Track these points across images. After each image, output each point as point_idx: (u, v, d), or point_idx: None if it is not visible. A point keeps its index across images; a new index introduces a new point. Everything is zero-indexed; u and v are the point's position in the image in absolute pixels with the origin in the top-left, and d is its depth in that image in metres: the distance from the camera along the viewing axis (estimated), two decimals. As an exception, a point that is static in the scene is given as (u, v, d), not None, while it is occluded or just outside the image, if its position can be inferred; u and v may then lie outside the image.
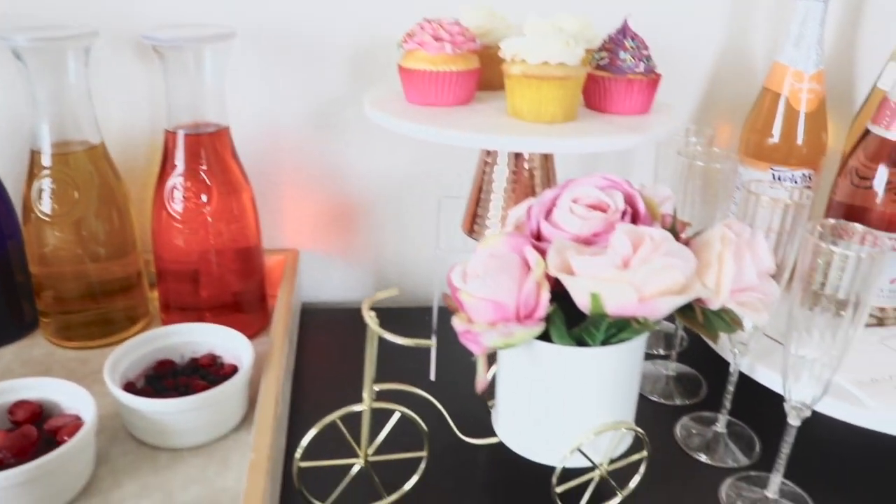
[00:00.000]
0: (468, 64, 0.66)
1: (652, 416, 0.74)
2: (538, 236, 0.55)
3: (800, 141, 0.80)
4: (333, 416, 0.57)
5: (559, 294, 0.52)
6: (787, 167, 0.81)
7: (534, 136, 0.60)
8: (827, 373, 0.55)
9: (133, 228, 0.80)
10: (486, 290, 0.50)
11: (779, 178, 0.81)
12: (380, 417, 0.58)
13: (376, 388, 0.56)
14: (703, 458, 0.68)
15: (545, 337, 0.53)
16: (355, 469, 0.60)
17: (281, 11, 0.82)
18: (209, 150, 0.75)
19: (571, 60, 0.61)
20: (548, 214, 0.55)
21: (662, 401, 0.76)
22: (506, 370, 0.58)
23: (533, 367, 0.55)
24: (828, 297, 0.52)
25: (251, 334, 0.80)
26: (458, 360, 0.56)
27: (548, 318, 0.52)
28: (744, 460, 0.68)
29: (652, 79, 0.67)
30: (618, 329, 0.52)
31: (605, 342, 0.54)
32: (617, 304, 0.50)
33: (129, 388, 0.67)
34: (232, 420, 0.68)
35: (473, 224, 0.72)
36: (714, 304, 0.53)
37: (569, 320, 0.52)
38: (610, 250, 0.50)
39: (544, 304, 0.51)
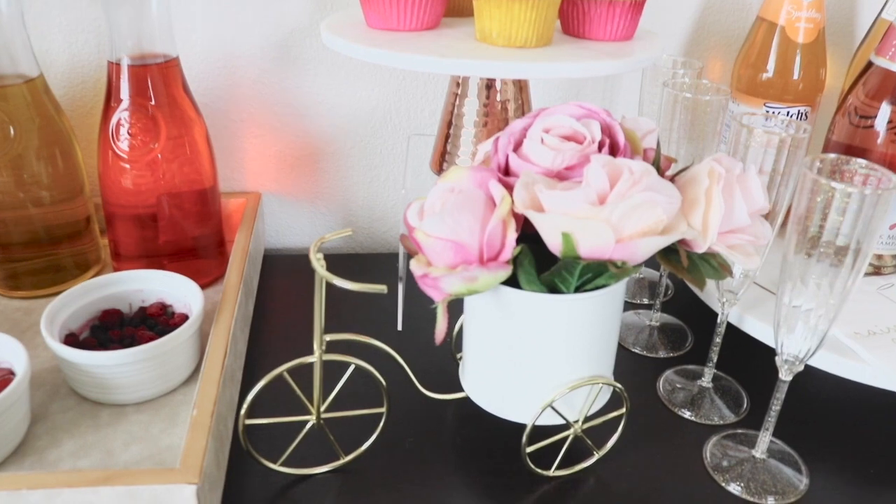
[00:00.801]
0: (434, -16, 0.60)
1: (634, 369, 0.70)
2: (506, 171, 0.50)
3: (796, 75, 0.75)
4: (281, 368, 0.52)
5: (530, 236, 0.48)
6: (782, 103, 0.76)
7: (503, 61, 0.54)
8: (823, 325, 0.51)
9: (80, 170, 0.75)
10: (445, 228, 0.45)
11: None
12: (337, 371, 0.54)
13: (327, 338, 0.52)
14: (687, 414, 0.64)
15: (514, 283, 0.49)
16: (308, 427, 0.55)
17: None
18: (157, 82, 0.69)
19: (546, -24, 0.55)
20: (517, 146, 0.50)
21: (645, 353, 0.72)
22: (472, 319, 0.54)
23: (501, 316, 0.51)
24: (826, 243, 0.47)
25: (208, 282, 0.76)
26: (429, 310, 0.51)
27: (516, 262, 0.47)
28: (731, 417, 0.64)
29: (636, 1, 0.61)
30: (594, 274, 0.48)
31: (579, 288, 0.49)
32: (592, 246, 0.45)
33: (71, 339, 0.63)
34: (180, 374, 0.63)
35: (443, 162, 0.67)
36: (700, 247, 0.48)
37: (539, 264, 0.48)
38: (584, 184, 0.45)
39: (510, 246, 0.46)
